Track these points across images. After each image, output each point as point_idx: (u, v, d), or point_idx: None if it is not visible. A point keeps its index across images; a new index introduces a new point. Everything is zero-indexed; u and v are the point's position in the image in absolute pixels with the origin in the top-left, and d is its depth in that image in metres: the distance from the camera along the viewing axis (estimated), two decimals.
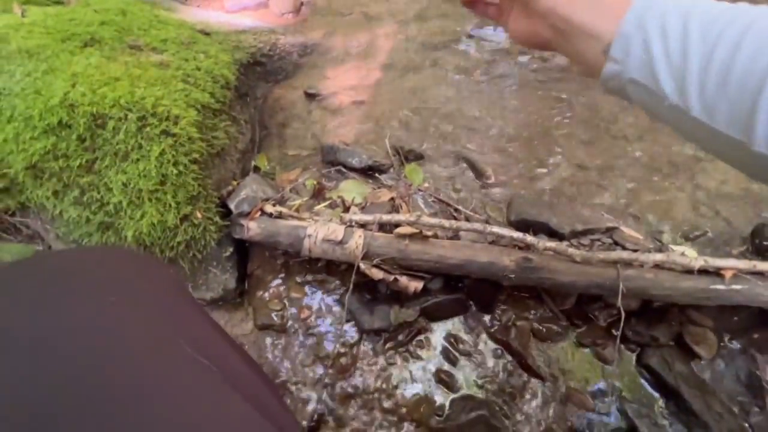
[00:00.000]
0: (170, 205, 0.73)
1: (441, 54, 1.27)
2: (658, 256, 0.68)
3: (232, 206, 0.80)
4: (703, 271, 0.67)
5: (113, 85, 0.74)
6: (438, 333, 0.79)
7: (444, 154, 1.02)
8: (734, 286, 0.65)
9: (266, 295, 0.86)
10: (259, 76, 1.27)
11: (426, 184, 0.96)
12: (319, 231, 0.77)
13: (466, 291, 0.80)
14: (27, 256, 0.84)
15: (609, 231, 0.80)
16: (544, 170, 0.95)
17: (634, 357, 0.74)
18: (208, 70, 0.93)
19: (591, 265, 0.69)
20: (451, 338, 0.78)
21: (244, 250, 0.90)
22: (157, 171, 0.72)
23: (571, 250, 0.70)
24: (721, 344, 0.72)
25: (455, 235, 0.81)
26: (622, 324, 0.68)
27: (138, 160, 0.73)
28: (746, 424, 0.66)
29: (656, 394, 0.70)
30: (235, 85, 1.05)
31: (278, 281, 0.88)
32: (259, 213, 0.82)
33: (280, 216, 0.82)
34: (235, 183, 0.90)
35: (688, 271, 0.68)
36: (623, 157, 0.95)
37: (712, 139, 0.29)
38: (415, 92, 1.17)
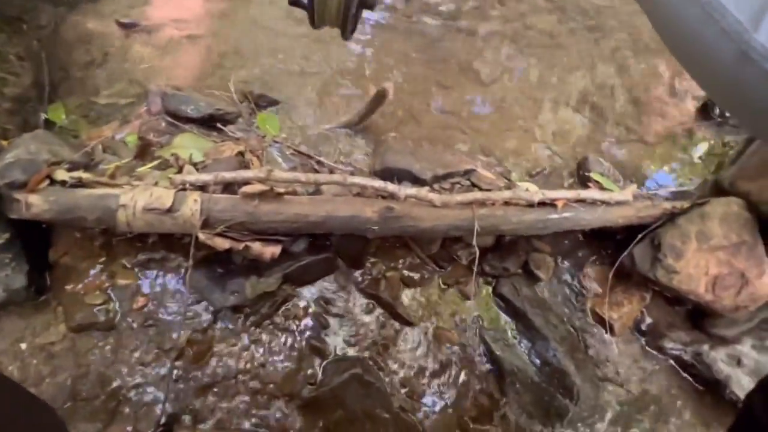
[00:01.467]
0: None
1: None
2: (507, 193, 0.72)
3: None
4: (542, 204, 0.73)
5: None
6: (306, 298, 0.72)
7: (303, 99, 0.90)
8: (564, 214, 0.73)
9: (81, 287, 0.67)
10: None
11: (283, 135, 0.85)
12: (138, 199, 0.60)
13: (333, 249, 0.74)
14: None
15: (467, 173, 0.82)
16: (410, 115, 0.92)
17: (490, 289, 0.80)
18: None
19: (450, 208, 0.70)
20: (321, 301, 0.73)
21: (37, 233, 0.67)
22: None
23: (431, 196, 0.68)
24: (556, 265, 0.82)
25: (317, 190, 0.73)
26: (476, 260, 0.71)
27: None
28: (571, 328, 0.78)
29: (509, 319, 0.78)
30: None
31: (98, 267, 0.69)
32: (46, 181, 0.60)
33: (80, 184, 0.62)
34: (4, 143, 0.64)
35: (530, 205, 0.73)
36: (480, 102, 0.97)
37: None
38: (263, 25, 1.00)
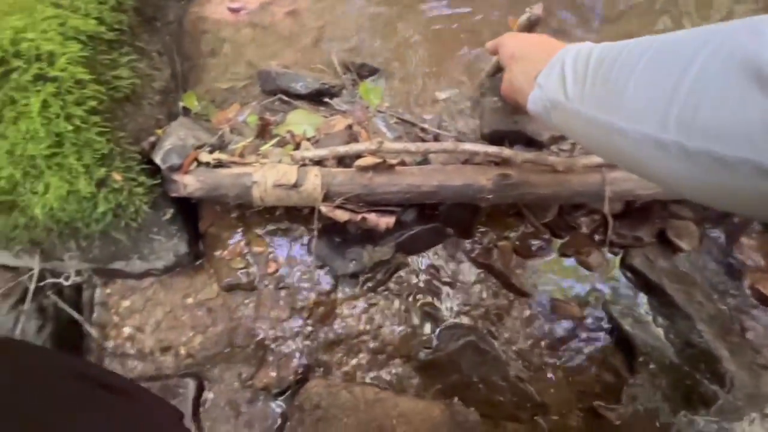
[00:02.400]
0: (77, 171, 0.60)
1: None
2: None
3: (158, 160, 0.67)
4: None
5: None
6: (418, 266, 0.74)
7: (404, 65, 0.88)
8: None
9: (226, 253, 0.78)
10: None
11: (386, 104, 0.84)
12: (268, 176, 0.66)
13: (442, 218, 0.73)
14: None
15: None
16: None
17: (617, 260, 0.72)
18: None
19: (574, 173, 0.63)
20: (432, 269, 0.74)
21: (190, 208, 0.79)
22: (47, 130, 0.57)
23: (552, 159, 0.62)
24: (702, 234, 0.70)
25: (425, 160, 0.72)
26: (610, 229, 0.64)
27: (16, 119, 0.57)
28: (724, 307, 0.67)
29: (639, 293, 0.70)
30: (134, 7, 0.83)
31: (237, 237, 0.79)
32: (194, 164, 0.70)
33: (220, 164, 0.70)
34: (159, 132, 0.75)
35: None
36: None
37: (596, 132, 0.35)
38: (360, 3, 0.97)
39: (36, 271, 0.73)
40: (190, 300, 0.77)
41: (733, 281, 0.69)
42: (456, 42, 0.89)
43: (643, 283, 0.70)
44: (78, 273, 0.74)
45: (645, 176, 0.34)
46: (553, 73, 0.41)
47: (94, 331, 0.75)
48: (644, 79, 0.30)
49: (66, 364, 0.47)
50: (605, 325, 0.69)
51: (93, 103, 0.60)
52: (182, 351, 0.74)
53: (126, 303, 0.79)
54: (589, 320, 0.70)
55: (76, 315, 0.75)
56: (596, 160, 0.63)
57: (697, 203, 0.39)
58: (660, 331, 0.67)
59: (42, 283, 0.74)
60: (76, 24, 0.64)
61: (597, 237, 0.74)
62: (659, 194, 0.65)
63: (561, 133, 0.46)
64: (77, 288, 0.78)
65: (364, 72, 0.88)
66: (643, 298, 0.70)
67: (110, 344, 0.75)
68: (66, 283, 0.74)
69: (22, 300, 0.73)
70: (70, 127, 0.58)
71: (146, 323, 0.77)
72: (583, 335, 0.69)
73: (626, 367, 0.66)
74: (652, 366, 0.64)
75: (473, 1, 0.92)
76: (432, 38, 0.90)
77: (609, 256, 0.73)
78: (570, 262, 0.73)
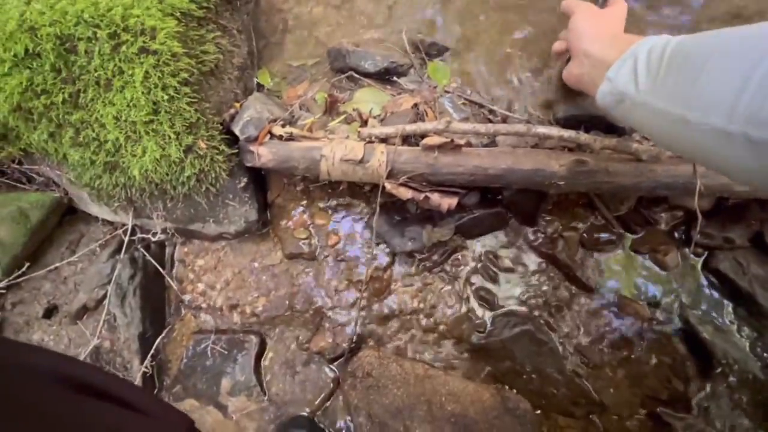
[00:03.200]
0: (169, 137, 0.66)
1: None
2: None
3: (237, 131, 0.71)
4: None
5: None
6: (476, 250, 0.73)
7: (473, 44, 0.85)
8: None
9: (290, 224, 0.82)
10: None
11: (454, 84, 0.82)
12: (336, 150, 0.68)
13: (505, 203, 0.71)
14: (46, 203, 0.82)
15: None
16: None
17: (700, 262, 0.66)
18: None
19: (660, 162, 0.58)
20: (490, 255, 0.72)
21: (260, 178, 0.84)
22: (146, 99, 0.64)
23: (635, 146, 0.58)
24: None
25: (492, 142, 0.70)
26: (699, 227, 0.59)
27: (123, 87, 0.64)
28: None
29: (724, 300, 0.64)
30: None
31: (301, 209, 0.83)
32: (268, 136, 0.73)
33: (291, 138, 0.73)
34: (237, 105, 0.80)
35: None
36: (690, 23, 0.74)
37: (663, 123, 0.37)
38: None
39: (129, 226, 0.82)
40: (256, 264, 0.83)
41: None
42: (527, 25, 0.84)
43: (729, 289, 0.63)
44: (163, 231, 0.83)
45: (711, 167, 0.35)
46: (625, 67, 0.41)
47: (174, 284, 0.83)
48: (715, 72, 0.31)
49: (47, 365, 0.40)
50: (677, 329, 0.64)
51: (185, 75, 0.65)
52: (247, 310, 0.81)
53: (200, 262, 0.86)
54: (659, 322, 0.65)
55: (159, 268, 0.84)
56: None
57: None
58: (745, 343, 0.61)
59: (134, 237, 0.83)
60: (172, 1, 0.69)
61: (677, 235, 0.68)
62: (761, 192, 0.58)
63: (625, 125, 0.45)
64: (161, 245, 0.87)
65: (433, 51, 0.86)
66: (728, 306, 0.63)
67: (187, 297, 0.83)
68: (153, 239, 0.82)
69: (118, 250, 0.83)
70: (166, 97, 0.64)
71: (217, 282, 0.84)
72: (652, 337, 0.64)
73: (699, 376, 0.61)
74: (731, 378, 0.59)
75: None
76: (504, 20, 0.86)
77: (691, 256, 0.67)
78: (643, 259, 0.68)
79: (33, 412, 0.32)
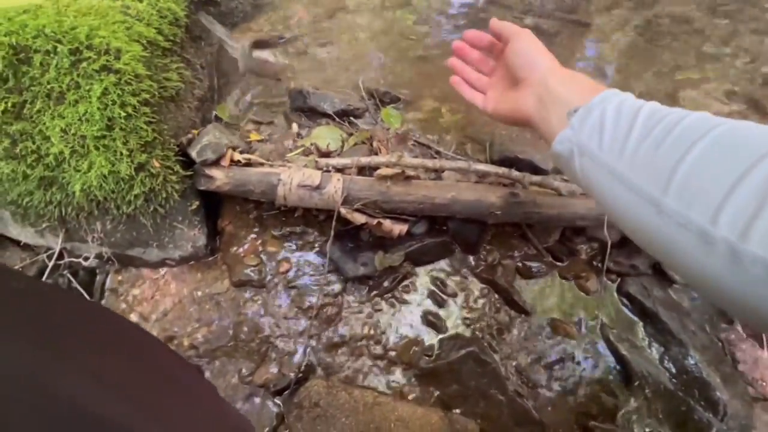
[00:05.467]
0: (122, 153, 0.65)
1: None
2: None
3: (193, 154, 0.72)
4: None
5: (34, 12, 0.63)
6: (424, 277, 0.77)
7: (422, 96, 0.97)
8: None
9: (240, 251, 0.81)
10: (213, 17, 1.14)
11: (404, 128, 0.91)
12: (294, 176, 0.71)
13: (451, 233, 0.78)
14: None
15: None
16: None
17: (614, 286, 0.76)
18: (152, 3, 0.81)
19: (575, 197, 0.68)
20: (438, 281, 0.76)
21: (213, 204, 0.83)
22: (102, 114, 0.63)
23: (557, 183, 0.68)
24: None
25: (438, 177, 0.78)
26: (608, 253, 0.68)
27: (76, 101, 0.63)
28: (716, 339, 0.69)
29: (635, 319, 0.73)
30: (186, 24, 0.93)
31: (253, 236, 0.82)
32: (229, 161, 0.75)
33: (249, 164, 0.75)
34: (195, 132, 0.81)
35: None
36: None
37: (628, 197, 0.32)
38: (388, 33, 1.09)
39: (57, 250, 0.75)
40: (199, 293, 0.79)
41: (725, 315, 0.72)
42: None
43: (639, 309, 0.73)
44: (97, 256, 0.77)
45: (672, 264, 0.30)
46: (590, 119, 0.37)
47: None
48: (701, 165, 0.28)
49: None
50: (603, 348, 0.71)
51: (146, 95, 0.67)
52: (185, 342, 0.75)
53: (136, 291, 0.80)
54: (587, 342, 0.72)
55: (87, 297, 0.76)
56: None
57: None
58: (655, 357, 0.69)
59: (60, 262, 0.76)
60: (140, 30, 0.72)
61: (595, 263, 0.77)
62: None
63: (576, 182, 0.40)
64: (92, 271, 0.80)
65: (387, 99, 0.96)
66: (639, 324, 0.72)
67: None
68: (84, 264, 0.76)
69: (38, 277, 0.75)
70: (123, 114, 0.64)
71: (153, 313, 0.78)
72: (582, 356, 0.71)
73: (623, 390, 0.67)
74: (647, 391, 0.65)
75: None
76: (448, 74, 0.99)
77: (608, 282, 0.76)
78: (569, 285, 0.76)
79: None
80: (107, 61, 0.63)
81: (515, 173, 0.69)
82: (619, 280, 0.76)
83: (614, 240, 0.76)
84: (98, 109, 0.63)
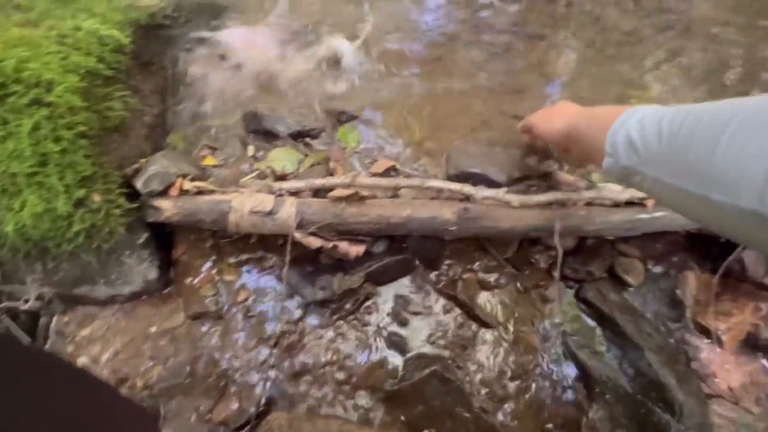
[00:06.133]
0: (57, 190, 0.62)
1: (372, 5, 1.20)
2: (590, 193, 0.70)
3: (139, 185, 0.69)
4: (630, 203, 0.70)
5: None
6: (386, 296, 0.76)
7: (379, 113, 0.97)
8: (656, 214, 0.69)
9: (196, 281, 0.78)
10: (164, 41, 1.11)
11: (362, 146, 0.91)
12: (245, 203, 0.69)
13: (410, 250, 0.77)
14: None
15: (544, 176, 0.81)
16: (481, 121, 0.94)
17: (572, 293, 0.77)
18: (92, 31, 0.79)
19: (528, 208, 0.70)
20: (400, 300, 0.76)
21: (164, 235, 0.80)
22: (33, 150, 0.60)
23: (508, 197, 0.69)
24: (647, 270, 0.77)
25: (395, 194, 0.78)
26: (560, 262, 0.69)
27: (5, 138, 0.60)
28: (671, 340, 0.71)
29: (594, 324, 0.74)
30: (132, 51, 0.91)
31: (209, 265, 0.80)
32: (178, 191, 0.72)
33: (200, 192, 0.73)
34: (142, 161, 0.78)
35: (617, 205, 0.70)
36: (554, 102, 0.96)
37: (682, 198, 0.35)
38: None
39: None
40: (153, 329, 0.76)
41: (677, 314, 0.74)
42: (429, 102, 1.00)
43: (597, 315, 0.74)
44: (38, 297, 0.72)
45: (750, 246, 0.34)
46: (619, 141, 0.40)
47: None
48: (733, 150, 0.29)
49: None
50: (565, 356, 0.72)
51: (83, 128, 0.64)
52: (139, 383, 0.71)
53: (84, 332, 0.76)
54: (549, 352, 0.72)
55: (26, 342, 0.71)
56: (548, 197, 0.70)
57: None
58: (614, 362, 0.70)
59: None
60: (77, 60, 0.70)
61: (554, 272, 0.79)
62: (606, 231, 0.72)
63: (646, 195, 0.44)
64: (34, 314, 0.75)
65: (343, 118, 0.96)
66: (597, 330, 0.74)
67: None
68: (23, 307, 0.71)
69: None
70: (57, 148, 0.61)
71: (104, 353, 0.74)
72: (545, 366, 0.71)
73: (585, 397, 0.68)
74: (608, 396, 0.66)
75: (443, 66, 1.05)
76: (406, 95, 1.00)
77: (566, 290, 0.78)
78: (530, 295, 0.77)
79: None
80: (38, 94, 0.60)
81: (467, 188, 0.70)
82: (577, 286, 0.77)
83: (569, 247, 0.77)
84: (29, 145, 0.60)
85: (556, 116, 0.58)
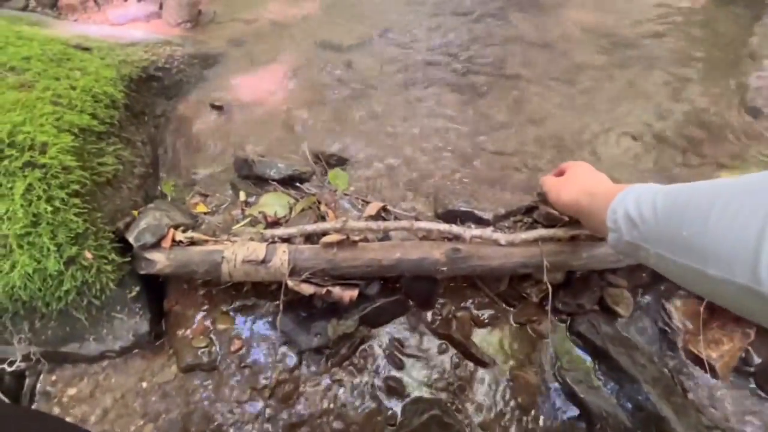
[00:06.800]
0: (48, 249, 0.62)
1: (353, 55, 1.26)
2: (574, 229, 0.72)
3: (131, 239, 0.70)
4: None
5: None
6: (381, 339, 0.76)
7: (367, 155, 1.00)
8: None
9: (188, 332, 0.77)
10: (156, 92, 1.15)
11: (352, 188, 0.93)
12: (238, 252, 0.70)
13: (404, 291, 0.78)
14: None
15: (529, 211, 0.84)
16: (465, 159, 0.97)
17: (565, 327, 0.78)
18: (87, 89, 0.82)
19: (515, 246, 0.71)
20: (396, 342, 0.76)
21: (157, 286, 0.79)
22: (26, 211, 0.61)
23: (495, 235, 0.71)
24: (636, 300, 0.78)
25: (386, 236, 0.79)
26: (550, 297, 0.70)
27: None
28: (665, 370, 0.72)
29: (589, 359, 0.74)
30: (124, 104, 0.94)
31: (201, 314, 0.79)
32: (171, 242, 0.73)
33: (193, 243, 0.74)
34: (135, 213, 0.79)
35: (601, 239, 0.72)
36: (534, 139, 1.00)
37: (680, 272, 0.36)
38: (330, 96, 1.14)
39: None
40: (144, 384, 0.74)
41: (669, 344, 0.75)
42: (417, 141, 1.04)
43: (590, 348, 0.74)
44: (25, 358, 0.70)
45: (757, 322, 0.35)
46: (619, 218, 0.43)
47: None
48: (722, 225, 0.29)
49: None
50: (564, 392, 0.72)
51: (76, 186, 0.65)
52: None
53: (72, 391, 0.74)
54: (547, 388, 0.72)
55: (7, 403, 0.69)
56: (534, 234, 0.72)
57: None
58: (612, 396, 0.70)
59: None
60: (71, 119, 0.72)
61: (546, 307, 0.80)
62: (592, 264, 0.74)
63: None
64: (20, 375, 0.73)
65: (333, 160, 0.99)
66: (593, 364, 0.74)
67: None
68: (9, 369, 0.69)
69: None
70: (50, 209, 0.61)
71: (92, 413, 0.71)
72: (545, 404, 0.71)
73: None
74: None
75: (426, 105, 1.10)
76: (392, 135, 1.04)
77: (559, 324, 0.78)
78: (523, 330, 0.78)
79: None
80: (31, 156, 0.62)
81: (455, 228, 0.72)
82: (569, 319, 0.78)
83: (559, 281, 0.79)
84: (21, 206, 0.60)
85: (564, 189, 0.61)
